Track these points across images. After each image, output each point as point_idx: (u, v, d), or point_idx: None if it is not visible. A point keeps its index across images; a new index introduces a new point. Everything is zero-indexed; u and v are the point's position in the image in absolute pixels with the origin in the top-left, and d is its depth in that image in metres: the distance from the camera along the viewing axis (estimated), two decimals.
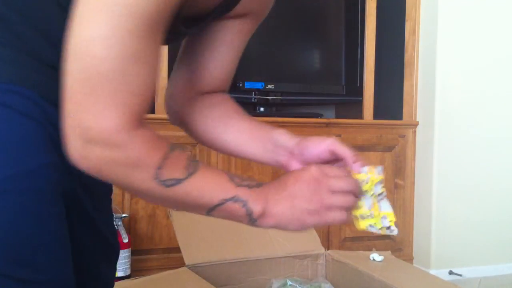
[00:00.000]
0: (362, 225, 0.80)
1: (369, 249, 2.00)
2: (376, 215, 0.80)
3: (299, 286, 1.64)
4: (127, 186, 0.66)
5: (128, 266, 2.25)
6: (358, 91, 2.81)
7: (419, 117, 2.89)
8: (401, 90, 2.92)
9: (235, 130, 0.89)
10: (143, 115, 0.64)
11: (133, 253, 2.30)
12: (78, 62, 0.60)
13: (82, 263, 0.74)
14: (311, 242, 1.85)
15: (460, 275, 2.73)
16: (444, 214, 2.81)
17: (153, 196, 0.67)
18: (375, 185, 0.80)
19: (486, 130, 2.84)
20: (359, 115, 2.80)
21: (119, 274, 2.19)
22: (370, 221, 0.81)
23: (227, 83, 0.94)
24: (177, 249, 1.69)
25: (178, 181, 0.66)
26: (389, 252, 1.89)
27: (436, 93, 2.79)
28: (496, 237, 2.85)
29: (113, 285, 0.86)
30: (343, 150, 0.80)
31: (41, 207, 0.65)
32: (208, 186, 0.68)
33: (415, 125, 2.88)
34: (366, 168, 0.80)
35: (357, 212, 0.80)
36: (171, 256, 2.34)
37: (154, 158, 0.64)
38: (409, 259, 2.86)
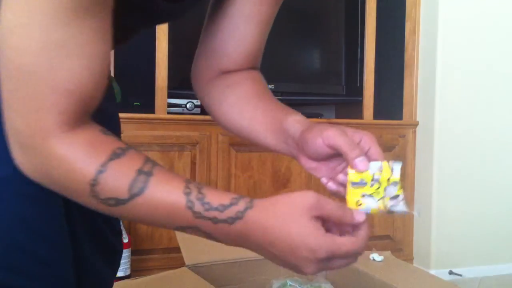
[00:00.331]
0: (352, 192, 0.67)
1: (369, 249, 2.00)
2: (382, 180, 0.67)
3: (299, 286, 1.64)
4: (73, 200, 0.57)
5: (128, 266, 2.25)
6: (358, 91, 2.81)
7: (419, 117, 2.89)
8: (401, 90, 2.92)
9: (250, 117, 0.79)
10: (82, 116, 0.55)
11: (133, 253, 2.30)
12: (2, 55, 0.52)
13: (81, 263, 0.69)
14: None
15: (460, 275, 2.73)
16: (444, 214, 2.80)
17: (103, 211, 0.57)
18: (388, 186, 0.66)
19: (486, 130, 2.84)
20: (359, 115, 2.80)
21: (119, 274, 2.19)
22: (366, 191, 0.67)
23: (252, 60, 0.83)
24: (177, 249, 1.69)
25: (119, 202, 0.55)
26: (389, 252, 1.89)
27: (436, 93, 2.79)
28: (496, 237, 2.85)
29: (112, 285, 0.82)
30: (342, 144, 0.66)
31: (32, 212, 0.60)
32: (158, 213, 0.56)
33: (415, 125, 2.88)
34: (375, 164, 0.66)
35: (353, 177, 0.67)
36: (171, 256, 2.34)
37: (89, 170, 0.54)
38: (409, 259, 2.86)
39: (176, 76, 2.43)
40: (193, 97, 2.44)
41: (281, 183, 2.56)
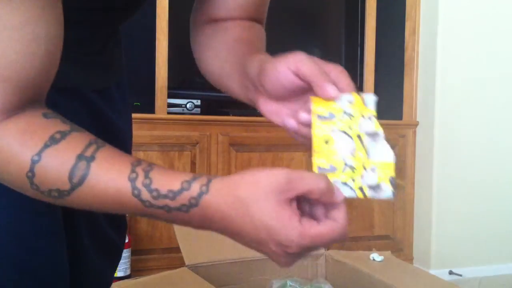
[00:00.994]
0: None
1: (369, 249, 2.00)
2: (357, 166, 0.54)
3: (299, 286, 1.64)
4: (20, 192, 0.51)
5: (128, 266, 2.25)
6: (358, 91, 2.81)
7: (419, 117, 2.89)
8: (401, 90, 2.92)
9: (223, 60, 0.70)
10: (24, 105, 0.50)
11: (133, 253, 2.30)
12: None
13: (79, 261, 0.68)
14: None
15: (460, 275, 2.73)
16: (444, 214, 2.80)
17: (55, 204, 0.52)
18: (363, 120, 0.54)
19: (486, 130, 2.84)
20: None
21: (119, 274, 2.19)
22: (339, 176, 0.54)
23: (248, 9, 0.75)
24: (177, 249, 1.69)
25: (62, 194, 0.49)
26: (389, 252, 1.89)
27: (436, 93, 2.79)
28: (496, 237, 2.85)
29: (111, 283, 0.81)
30: (310, 69, 0.55)
31: (26, 225, 0.56)
32: (106, 202, 0.50)
33: (415, 125, 2.88)
34: (346, 96, 0.55)
35: (319, 162, 0.54)
36: (171, 256, 2.34)
37: (25, 161, 0.48)
38: (409, 259, 2.86)
39: (176, 76, 2.43)
40: (193, 97, 2.44)
41: None
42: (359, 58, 2.83)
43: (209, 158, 2.45)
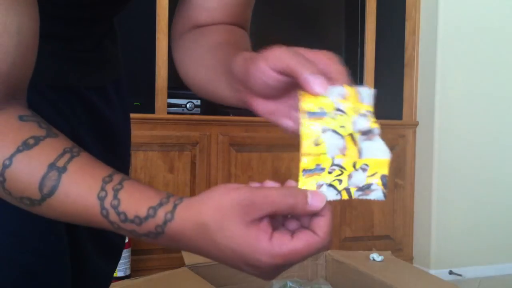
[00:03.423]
0: (305, 183, 0.49)
1: (369, 249, 2.00)
2: (347, 165, 0.48)
3: (299, 287, 1.64)
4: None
5: (128, 266, 2.25)
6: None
7: (419, 117, 2.89)
8: (401, 90, 2.92)
9: (208, 66, 0.65)
10: None
11: (133, 253, 2.30)
12: None
13: (79, 262, 0.67)
14: None
15: (460, 275, 2.73)
16: (444, 214, 2.80)
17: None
18: (356, 117, 0.49)
19: (486, 130, 2.84)
20: None
21: (119, 274, 2.19)
22: (324, 177, 0.49)
23: (231, 14, 0.71)
24: (177, 249, 1.69)
25: (33, 202, 0.48)
26: (389, 252, 1.89)
27: (436, 93, 2.78)
28: (496, 237, 2.85)
29: (110, 282, 0.79)
30: (291, 62, 0.48)
31: (22, 224, 0.55)
32: (76, 217, 0.48)
33: (415, 125, 2.88)
34: (336, 89, 0.49)
35: (305, 163, 0.49)
36: (171, 256, 2.34)
37: None
38: (409, 259, 2.86)
39: (176, 76, 2.41)
40: (193, 97, 2.44)
41: (281, 183, 2.55)
42: (359, 58, 2.83)
43: (209, 158, 2.45)
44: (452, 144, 2.80)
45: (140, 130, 2.29)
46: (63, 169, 0.47)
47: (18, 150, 0.46)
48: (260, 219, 0.46)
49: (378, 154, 0.49)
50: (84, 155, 0.50)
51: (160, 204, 0.47)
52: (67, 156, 0.48)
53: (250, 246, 0.45)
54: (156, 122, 2.35)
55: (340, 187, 0.49)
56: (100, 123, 0.69)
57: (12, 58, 0.47)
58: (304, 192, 0.48)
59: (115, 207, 0.47)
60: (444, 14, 2.78)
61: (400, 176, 2.86)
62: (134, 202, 0.47)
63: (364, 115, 0.49)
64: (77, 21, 0.65)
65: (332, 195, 0.49)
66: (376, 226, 2.82)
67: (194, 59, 0.69)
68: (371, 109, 0.50)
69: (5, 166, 0.46)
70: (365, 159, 0.49)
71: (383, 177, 0.49)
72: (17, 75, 0.49)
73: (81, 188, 0.47)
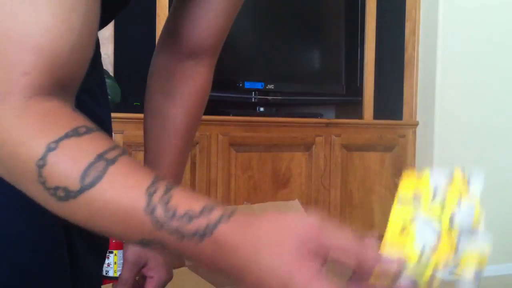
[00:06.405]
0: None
1: None
2: (436, 261, 0.42)
3: None
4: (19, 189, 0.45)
5: None
6: (358, 91, 2.81)
7: (419, 117, 2.89)
8: (401, 90, 2.92)
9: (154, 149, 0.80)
10: (55, 89, 0.44)
11: None
12: None
13: (72, 260, 0.66)
14: None
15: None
16: None
17: (53, 211, 0.44)
18: (458, 211, 0.41)
19: (486, 130, 2.84)
20: (359, 115, 2.80)
21: (119, 274, 2.18)
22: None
23: (208, 44, 0.76)
24: (207, 264, 1.68)
25: (69, 195, 0.42)
26: None
27: (436, 93, 2.79)
28: (496, 237, 2.83)
29: (101, 282, 0.80)
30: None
31: (21, 223, 0.54)
32: (112, 211, 0.43)
33: (415, 125, 2.88)
34: (442, 172, 0.43)
35: (387, 252, 0.43)
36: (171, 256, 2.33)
37: (38, 146, 0.42)
38: None
39: None
40: None
41: (281, 183, 2.56)
42: (359, 58, 2.83)
43: (209, 158, 2.45)
44: (452, 144, 2.80)
45: (140, 130, 2.27)
46: (112, 161, 0.43)
47: (67, 136, 0.42)
48: (315, 253, 0.43)
49: (476, 248, 0.42)
50: (131, 157, 0.47)
51: (216, 206, 0.44)
52: (117, 151, 0.44)
53: (294, 271, 0.41)
54: None
55: (424, 274, 0.42)
56: (95, 122, 0.69)
57: (77, 39, 0.44)
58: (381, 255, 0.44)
59: (164, 202, 0.42)
60: (444, 15, 2.78)
61: (400, 176, 2.86)
62: (187, 199, 0.44)
63: (469, 207, 0.41)
64: None
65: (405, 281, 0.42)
66: (376, 226, 2.82)
67: (152, 126, 0.81)
68: (478, 200, 0.42)
69: (50, 149, 0.42)
70: (464, 255, 0.41)
71: (477, 273, 0.41)
72: (76, 62, 0.45)
73: (127, 181, 0.43)
